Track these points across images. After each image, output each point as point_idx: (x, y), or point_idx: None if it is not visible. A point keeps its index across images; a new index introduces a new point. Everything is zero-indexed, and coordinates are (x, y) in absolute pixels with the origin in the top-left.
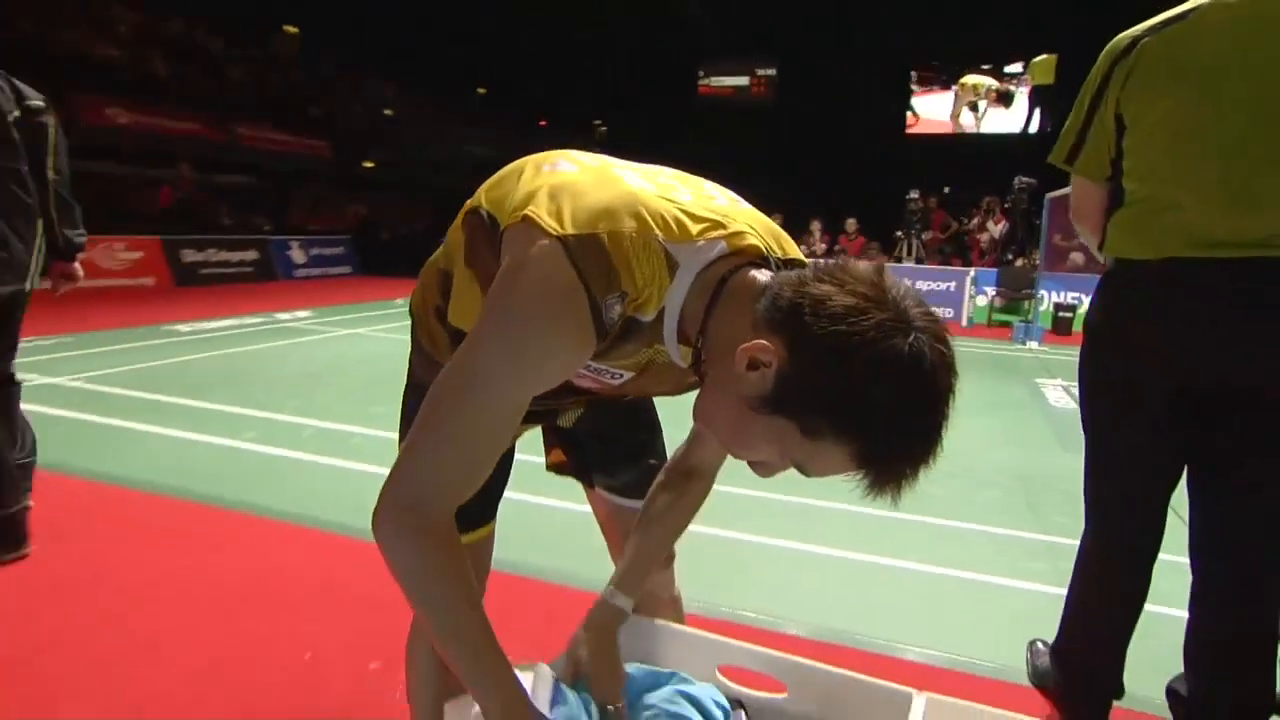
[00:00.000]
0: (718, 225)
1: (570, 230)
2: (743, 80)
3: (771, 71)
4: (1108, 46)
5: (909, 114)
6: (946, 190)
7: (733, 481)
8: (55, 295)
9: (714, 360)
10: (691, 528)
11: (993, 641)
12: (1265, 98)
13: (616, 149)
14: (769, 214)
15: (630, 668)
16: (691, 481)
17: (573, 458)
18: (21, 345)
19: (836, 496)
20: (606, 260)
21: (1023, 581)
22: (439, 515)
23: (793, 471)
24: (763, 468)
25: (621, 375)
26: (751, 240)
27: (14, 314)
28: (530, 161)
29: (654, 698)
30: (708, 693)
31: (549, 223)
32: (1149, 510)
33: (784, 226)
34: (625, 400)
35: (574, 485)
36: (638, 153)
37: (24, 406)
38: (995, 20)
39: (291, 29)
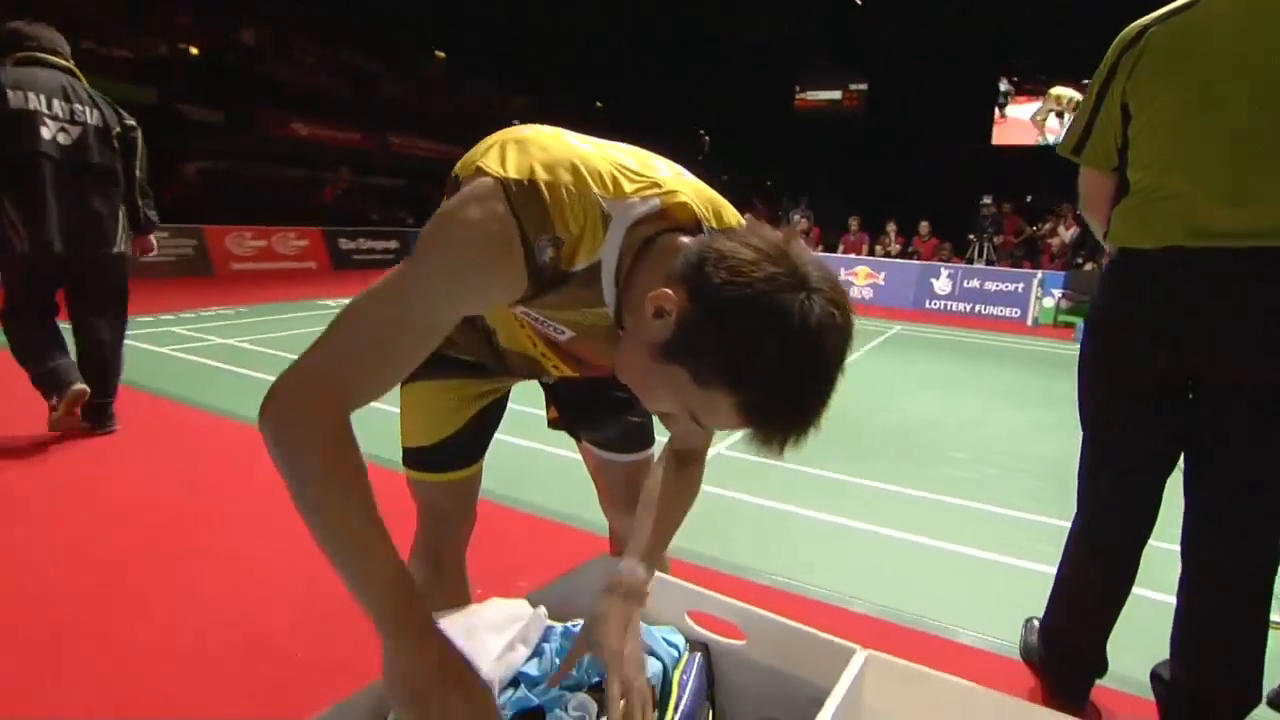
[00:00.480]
0: (654, 185)
1: (512, 174)
2: (836, 94)
3: (863, 86)
4: (1119, 36)
5: (997, 114)
6: (1030, 199)
7: (804, 462)
8: (139, 259)
9: (630, 312)
10: (729, 493)
11: (998, 618)
12: (1267, 89)
13: (719, 159)
14: (847, 217)
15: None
16: (690, 464)
17: (563, 415)
18: (208, 313)
19: (876, 475)
20: (542, 204)
21: (1035, 563)
22: (332, 405)
23: (830, 444)
24: (670, 420)
25: (564, 331)
26: (684, 201)
27: (114, 267)
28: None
29: None
30: (661, 632)
31: (494, 168)
32: (1139, 498)
33: (863, 228)
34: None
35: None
36: (739, 161)
37: (206, 362)
38: (1087, 33)
39: (440, 54)
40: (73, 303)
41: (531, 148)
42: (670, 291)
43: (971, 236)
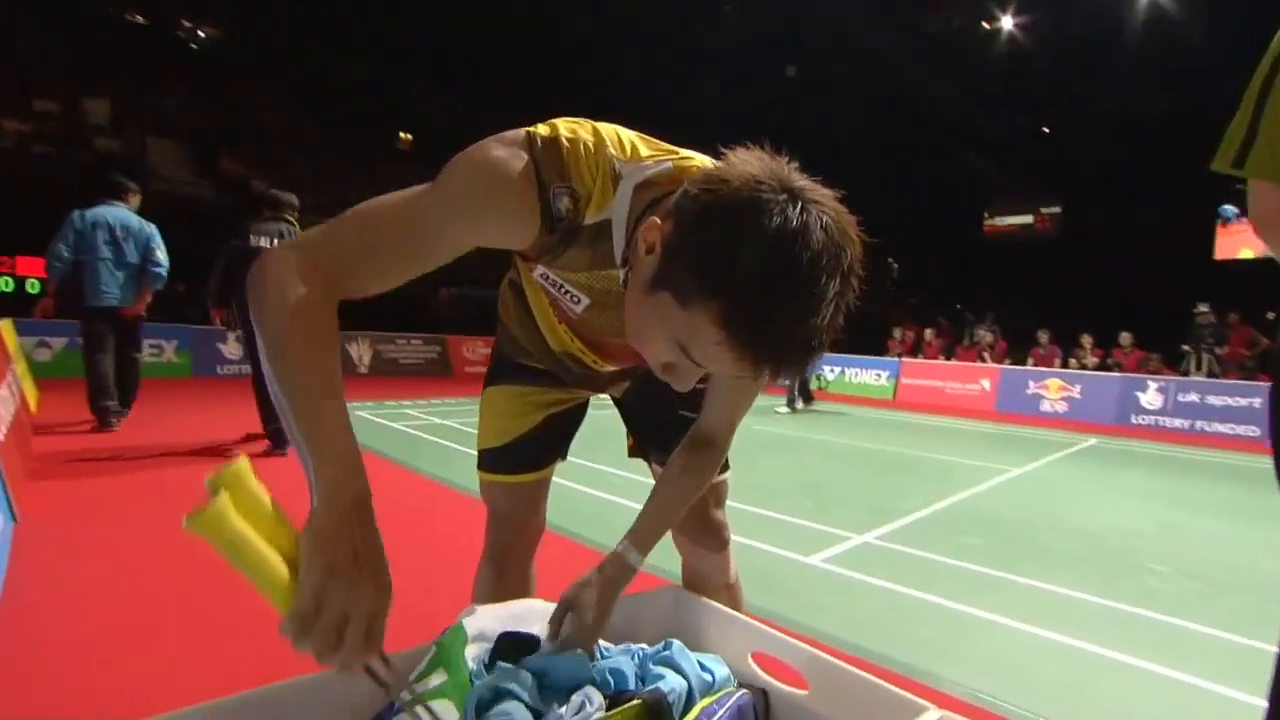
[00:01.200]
0: (671, 153)
1: (540, 130)
2: (1027, 219)
3: (1056, 210)
4: None
5: (1219, 224)
6: (1271, 315)
7: (959, 556)
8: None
9: (633, 265)
10: (905, 590)
11: None
12: None
13: (907, 284)
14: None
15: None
16: (703, 449)
17: (635, 436)
18: (437, 402)
19: (1059, 581)
20: (560, 155)
21: (1241, 691)
22: (311, 273)
23: (1006, 545)
24: (669, 372)
25: (580, 299)
26: (699, 164)
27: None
28: None
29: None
30: (702, 658)
31: (531, 129)
32: None
33: (1053, 340)
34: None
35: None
36: (927, 285)
37: (421, 435)
38: None
39: None
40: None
41: (564, 118)
42: (658, 220)
43: (1186, 347)
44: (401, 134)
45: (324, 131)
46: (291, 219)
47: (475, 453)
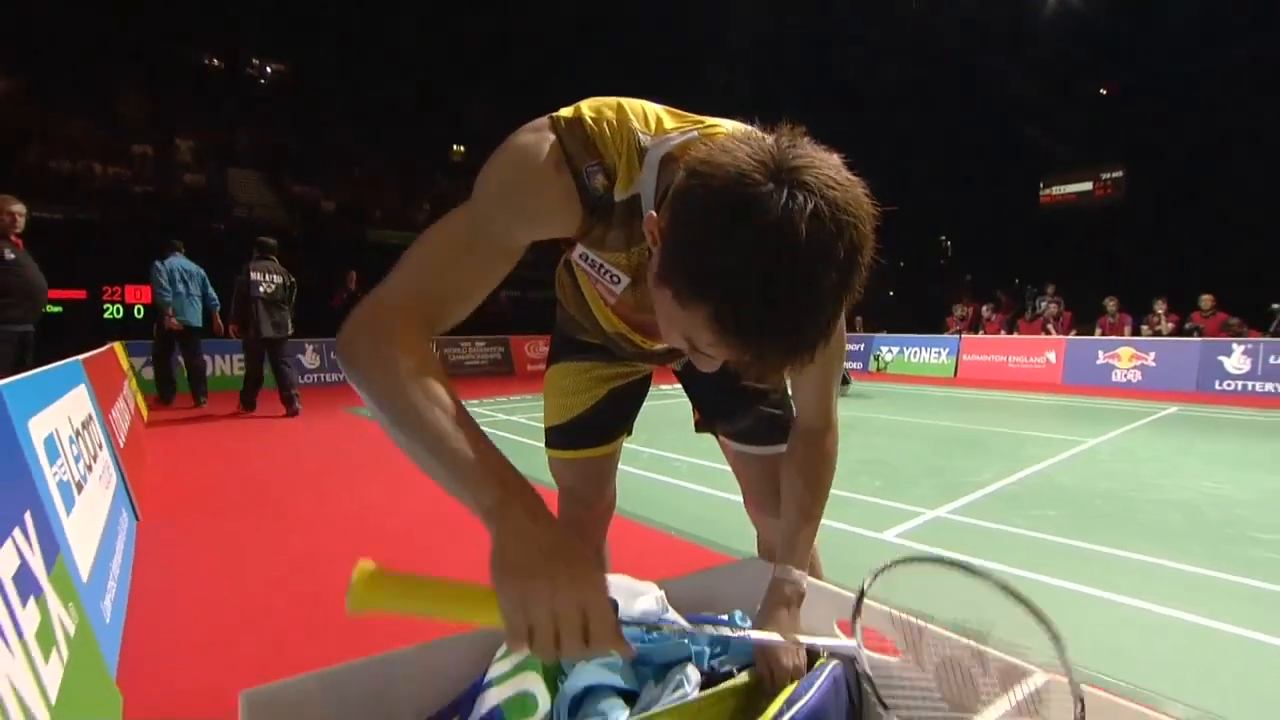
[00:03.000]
0: (698, 123)
1: (563, 112)
2: (1086, 185)
3: (1118, 174)
4: None
5: None
6: None
7: (1037, 528)
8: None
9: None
10: (983, 562)
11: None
12: None
13: (962, 261)
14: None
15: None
16: (813, 438)
17: (700, 409)
18: (503, 399)
19: (1155, 553)
20: (585, 133)
21: None
22: (398, 322)
23: (1093, 518)
24: (693, 355)
25: (620, 279)
26: (727, 131)
27: (287, 341)
28: None
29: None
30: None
31: (556, 114)
32: None
33: (1122, 309)
34: None
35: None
36: (984, 261)
37: (489, 430)
38: None
39: None
40: (274, 357)
41: (587, 99)
42: (655, 214)
43: (1276, 306)
44: (455, 147)
45: (384, 151)
46: (274, 257)
47: (535, 443)
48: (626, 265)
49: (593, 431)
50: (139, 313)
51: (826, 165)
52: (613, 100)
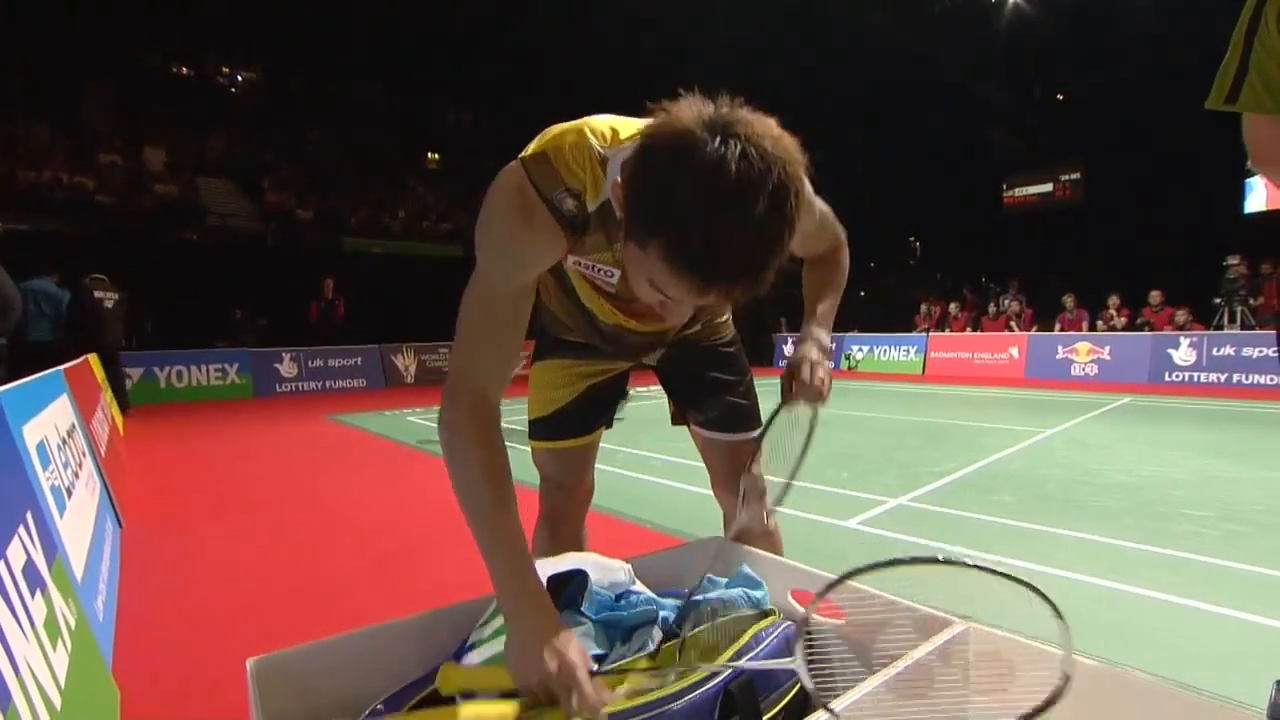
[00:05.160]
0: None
1: (528, 153)
2: (1046, 188)
3: (1076, 176)
4: None
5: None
6: None
7: (993, 512)
8: None
9: None
10: (941, 545)
11: (1243, 677)
12: None
13: (931, 261)
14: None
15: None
16: (826, 255)
17: (672, 398)
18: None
19: (1098, 531)
20: (550, 166)
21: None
22: (469, 403)
23: (1041, 501)
24: (665, 309)
25: (612, 273)
26: None
27: (119, 353)
28: None
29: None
30: (747, 586)
31: (522, 155)
32: None
33: (1080, 305)
34: (702, 345)
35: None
36: (952, 261)
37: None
38: None
39: None
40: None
41: (551, 128)
42: (619, 180)
43: (1219, 301)
44: (430, 154)
45: (359, 158)
46: (104, 278)
47: (522, 448)
48: (613, 260)
49: (573, 423)
50: None
51: (759, 122)
52: (572, 125)
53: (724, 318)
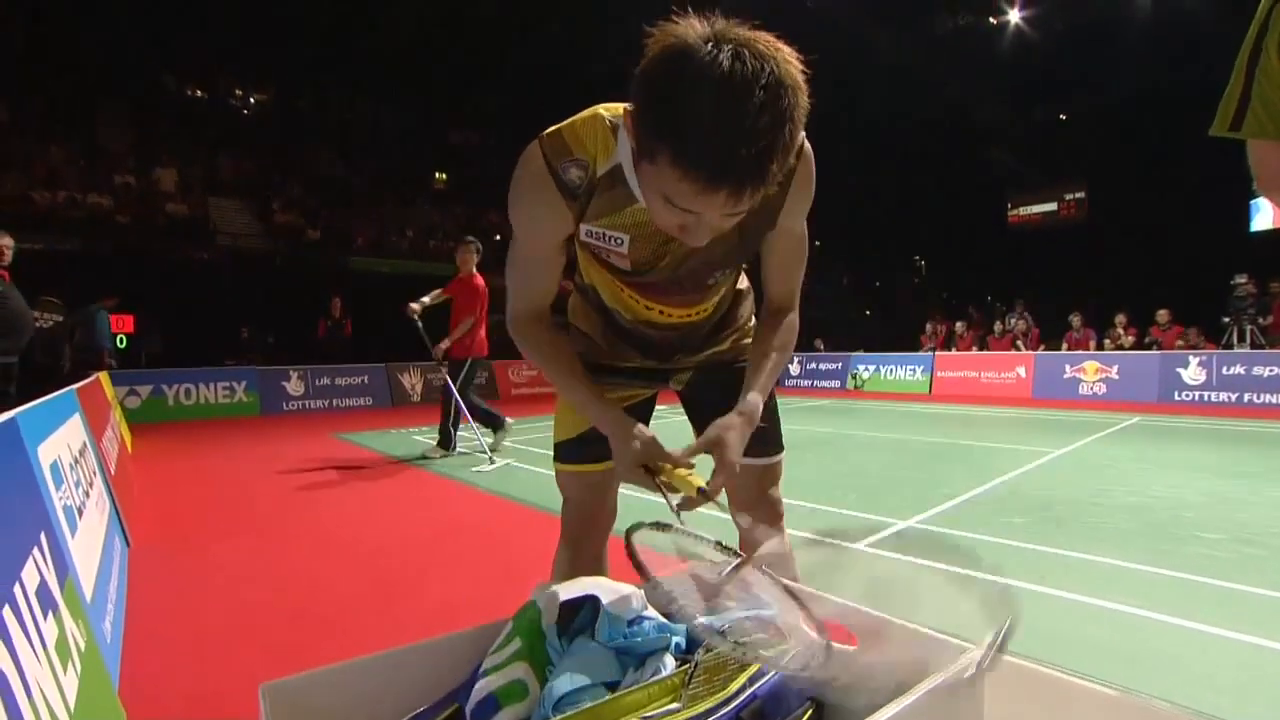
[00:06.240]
0: None
1: (549, 130)
2: (1050, 206)
3: (1080, 195)
4: None
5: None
6: None
7: (1003, 534)
8: None
9: None
10: (950, 568)
11: (1261, 705)
12: None
13: (936, 280)
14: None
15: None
16: (777, 316)
17: (696, 427)
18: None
19: (1106, 553)
20: (561, 140)
21: None
22: (522, 315)
23: (1046, 523)
24: (684, 233)
25: (621, 240)
26: None
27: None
28: None
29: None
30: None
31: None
32: None
33: (1087, 324)
34: (728, 370)
35: None
36: (956, 280)
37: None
38: None
39: None
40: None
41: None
42: (627, 108)
43: (1227, 320)
44: (438, 174)
45: (367, 179)
46: (55, 300)
47: (528, 467)
48: (623, 225)
49: (599, 448)
50: (122, 342)
51: (756, 34)
52: (590, 110)
53: (750, 338)
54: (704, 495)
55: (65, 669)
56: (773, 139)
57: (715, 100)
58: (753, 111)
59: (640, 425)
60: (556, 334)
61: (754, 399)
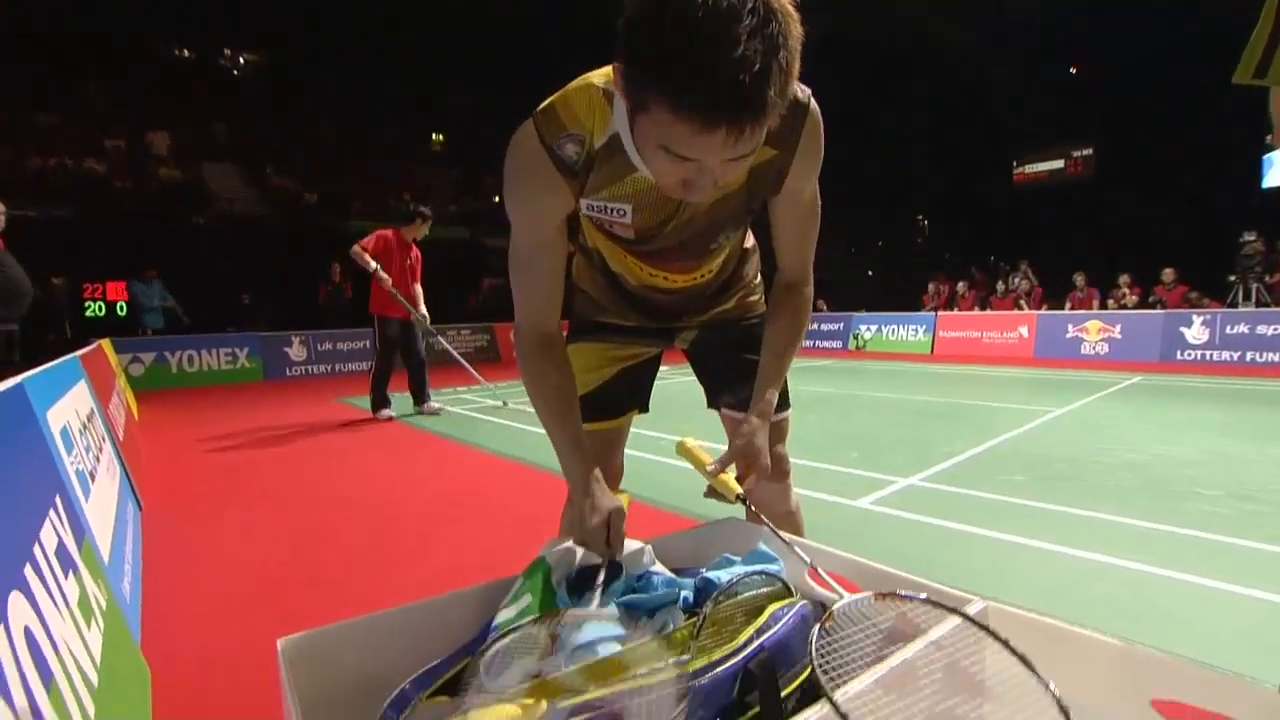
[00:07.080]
0: None
1: (541, 106)
2: (1058, 164)
3: (1088, 151)
4: None
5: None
6: None
7: (1005, 492)
8: None
9: None
10: (952, 525)
11: (1262, 655)
12: None
13: (939, 240)
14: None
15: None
16: (791, 290)
17: (704, 381)
18: (489, 385)
19: (1110, 510)
20: (555, 115)
21: None
22: (528, 336)
23: (1051, 480)
24: (687, 189)
25: (624, 211)
26: None
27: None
28: None
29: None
30: (763, 563)
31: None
32: None
33: (1090, 283)
34: (734, 327)
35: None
36: (960, 239)
37: (472, 415)
38: None
39: None
40: None
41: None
42: (617, 64)
43: (1233, 278)
44: (434, 135)
45: (363, 141)
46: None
47: (534, 429)
48: (624, 195)
49: (605, 406)
50: (121, 310)
51: None
52: (580, 78)
53: (756, 295)
54: (741, 500)
55: (89, 626)
56: (766, 64)
57: (700, 32)
58: (741, 39)
59: (610, 495)
60: (564, 371)
61: (770, 396)
